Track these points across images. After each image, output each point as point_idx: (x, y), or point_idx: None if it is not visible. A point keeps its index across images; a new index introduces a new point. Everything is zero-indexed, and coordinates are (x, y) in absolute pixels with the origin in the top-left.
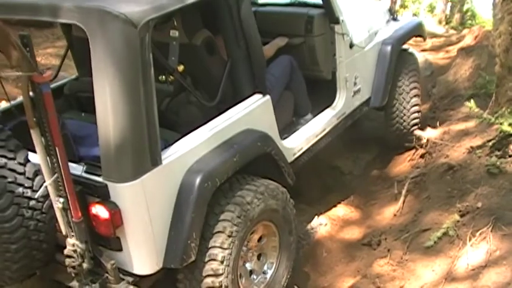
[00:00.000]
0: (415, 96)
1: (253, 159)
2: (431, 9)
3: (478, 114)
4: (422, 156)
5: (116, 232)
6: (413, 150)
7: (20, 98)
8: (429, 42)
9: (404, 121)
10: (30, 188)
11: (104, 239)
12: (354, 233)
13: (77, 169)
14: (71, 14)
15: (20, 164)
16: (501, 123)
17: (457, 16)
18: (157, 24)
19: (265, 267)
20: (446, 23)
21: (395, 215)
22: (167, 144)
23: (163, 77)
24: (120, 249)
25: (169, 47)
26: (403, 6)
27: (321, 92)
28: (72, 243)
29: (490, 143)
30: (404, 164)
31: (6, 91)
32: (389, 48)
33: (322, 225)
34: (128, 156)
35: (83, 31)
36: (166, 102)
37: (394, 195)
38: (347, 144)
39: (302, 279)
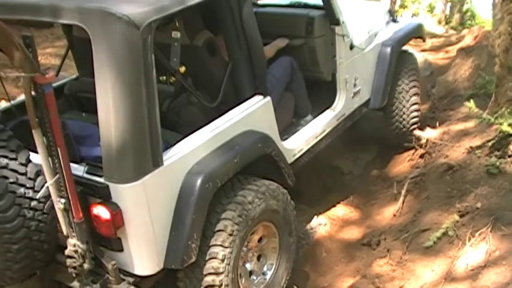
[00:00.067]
0: (414, 95)
1: (254, 160)
2: (431, 9)
3: (478, 115)
4: (421, 156)
5: (117, 233)
6: (413, 150)
7: (20, 98)
8: (429, 43)
9: (403, 121)
10: (32, 188)
11: (105, 240)
12: (353, 233)
13: (78, 170)
14: (73, 15)
15: (22, 164)
16: (501, 124)
17: (456, 16)
18: (159, 26)
19: (264, 268)
20: (446, 23)
21: (394, 215)
22: (168, 145)
23: (165, 77)
24: (121, 250)
25: (171, 48)
26: (402, 6)
27: (321, 93)
28: (73, 244)
29: (490, 143)
30: (403, 164)
31: (6, 91)
32: (389, 49)
33: (321, 225)
34: (130, 158)
35: (84, 31)
36: (167, 103)
37: (394, 195)
38: (347, 144)
39: (301, 279)
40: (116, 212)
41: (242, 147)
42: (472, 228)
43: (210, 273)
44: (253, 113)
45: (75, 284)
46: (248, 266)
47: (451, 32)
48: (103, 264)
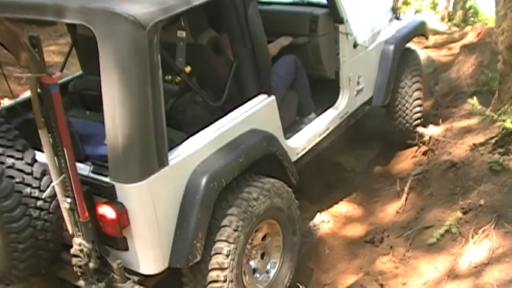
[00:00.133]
0: (417, 92)
1: (259, 159)
2: (434, 6)
3: (481, 112)
4: (424, 153)
5: (122, 232)
6: (416, 148)
7: (23, 95)
8: (432, 39)
9: (406, 118)
10: (38, 188)
11: (111, 239)
12: (356, 230)
13: (84, 169)
14: (78, 15)
15: (28, 164)
16: (504, 121)
17: (459, 13)
18: (165, 25)
19: (268, 267)
20: (449, 20)
21: (397, 212)
22: (173, 144)
23: (170, 77)
24: (127, 249)
25: (177, 48)
26: (405, 3)
27: (324, 91)
28: (79, 243)
29: (493, 140)
30: (406, 161)
31: (11, 89)
32: (392, 48)
33: (324, 222)
34: (135, 158)
35: (89, 29)
36: (172, 101)
37: (397, 192)
38: (349, 141)
39: (305, 276)
40: (122, 211)
41: (247, 146)
42: (475, 225)
43: (215, 269)
44: (258, 112)
45: (81, 282)
46: (252, 263)
47: (454, 29)
48: (108, 263)
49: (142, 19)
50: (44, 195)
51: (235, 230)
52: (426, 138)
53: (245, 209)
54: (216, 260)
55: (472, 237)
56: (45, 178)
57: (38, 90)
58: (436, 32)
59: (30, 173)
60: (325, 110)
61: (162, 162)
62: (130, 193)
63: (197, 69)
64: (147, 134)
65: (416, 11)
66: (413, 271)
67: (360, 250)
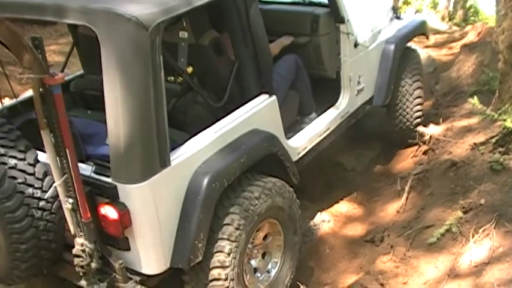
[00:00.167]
0: (418, 92)
1: (260, 159)
2: (434, 5)
3: (481, 111)
4: (425, 152)
5: (124, 232)
6: (416, 147)
7: (24, 95)
8: (432, 39)
9: (407, 117)
10: (40, 188)
11: (113, 239)
12: (357, 230)
13: (86, 169)
14: (80, 15)
15: (30, 164)
16: (504, 120)
17: (460, 12)
18: (167, 26)
19: (269, 266)
20: (449, 20)
21: (398, 212)
22: (175, 145)
23: (173, 78)
24: (128, 249)
25: (178, 48)
26: (406, 2)
27: (325, 91)
28: (81, 243)
29: (493, 140)
30: (407, 160)
31: (12, 88)
32: (392, 47)
33: (325, 221)
34: (138, 158)
35: (90, 29)
36: (173, 102)
37: (397, 191)
38: (350, 140)
39: (305, 275)
40: (124, 212)
41: (248, 146)
42: (476, 224)
43: (216, 267)
44: (259, 112)
45: (83, 282)
46: (253, 262)
47: (455, 28)
48: (110, 263)
49: (145, 20)
50: (46, 195)
51: (237, 229)
52: (427, 137)
53: (247, 207)
54: (217, 258)
55: (473, 236)
56: (47, 178)
57: (41, 90)
58: (437, 32)
59: (33, 174)
60: (326, 110)
61: (164, 163)
62: (133, 193)
63: (199, 69)
64: (149, 134)
65: (417, 11)
66: (413, 270)
67: (360, 249)
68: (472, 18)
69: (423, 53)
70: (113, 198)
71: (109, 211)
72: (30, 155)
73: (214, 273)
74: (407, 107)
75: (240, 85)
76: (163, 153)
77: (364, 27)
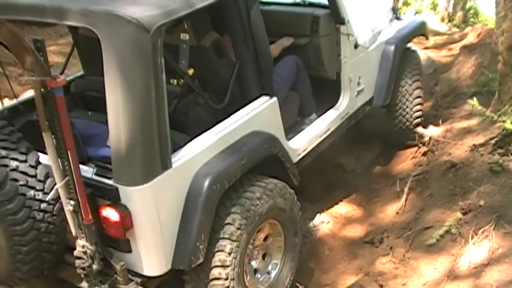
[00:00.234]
0: (417, 93)
1: (261, 161)
2: (434, 6)
3: (481, 112)
4: (424, 154)
5: (125, 234)
6: (416, 148)
7: (24, 96)
8: (432, 40)
9: (407, 117)
10: (42, 190)
11: (114, 241)
12: (356, 231)
13: (87, 172)
14: (81, 17)
15: (31, 166)
16: (504, 121)
17: (459, 14)
18: (168, 28)
19: (269, 268)
20: (449, 21)
21: (397, 213)
22: (177, 147)
23: (175, 81)
24: (130, 251)
25: (180, 50)
26: (405, 3)
27: (325, 92)
28: (82, 245)
29: (493, 141)
30: (406, 161)
31: (12, 88)
32: (392, 48)
33: (324, 223)
34: (139, 160)
35: (91, 31)
36: (174, 103)
37: (397, 193)
38: (350, 142)
39: (304, 276)
40: (125, 214)
41: (249, 148)
42: (475, 226)
43: (217, 266)
44: (260, 114)
45: (84, 284)
46: (254, 263)
47: (454, 29)
48: (111, 265)
49: (146, 22)
50: (48, 197)
51: (238, 228)
52: (426, 138)
53: (248, 207)
54: (218, 258)
55: (472, 237)
56: (48, 180)
57: (42, 90)
58: (436, 33)
59: (34, 176)
60: (326, 111)
61: (166, 165)
62: (134, 195)
63: (200, 71)
64: (150, 136)
65: (417, 12)
66: (413, 272)
67: (359, 251)
68: (472, 19)
69: (423, 54)
70: (114, 200)
71: (110, 213)
72: (32, 157)
73: (215, 272)
74: (407, 107)
75: (240, 87)
76: (164, 155)
77: (364, 28)
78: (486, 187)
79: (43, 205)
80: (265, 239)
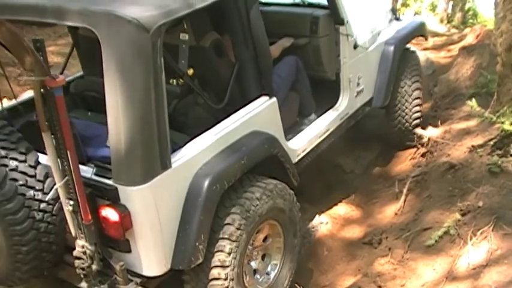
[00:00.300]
0: (417, 92)
1: (260, 161)
2: (433, 8)
3: (480, 113)
4: (423, 155)
5: (125, 234)
6: (415, 149)
7: (23, 96)
8: (431, 41)
9: (406, 119)
10: (41, 190)
11: (113, 241)
12: (355, 232)
13: (87, 172)
14: (81, 17)
15: (31, 166)
16: (503, 122)
17: (458, 15)
18: (168, 28)
19: (268, 268)
20: (448, 22)
21: (396, 214)
22: (176, 147)
23: (174, 81)
24: (129, 251)
25: (179, 50)
26: (405, 4)
27: (324, 92)
28: (82, 245)
29: (492, 142)
30: (405, 162)
31: (12, 89)
32: (392, 48)
33: (323, 223)
34: (139, 160)
35: (90, 31)
36: (174, 103)
37: (395, 194)
38: (349, 142)
39: (303, 277)
40: (125, 214)
41: (249, 148)
42: (474, 227)
43: (217, 266)
44: (260, 114)
45: (83, 284)
46: (253, 264)
47: (453, 30)
48: (111, 265)
49: (146, 22)
50: (47, 197)
51: (238, 229)
52: (425, 140)
53: (248, 208)
54: (218, 258)
55: (471, 239)
56: (48, 180)
57: (42, 91)
58: (435, 34)
59: (34, 176)
60: (326, 111)
61: (165, 165)
62: (133, 196)
63: (199, 71)
64: (150, 136)
65: (416, 13)
66: (411, 273)
67: (358, 252)
68: (471, 20)
69: (422, 56)
70: (113, 200)
71: (110, 213)
72: (31, 157)
73: (214, 272)
74: (406, 107)
75: (240, 87)
76: (164, 155)
77: (363, 28)
78: (485, 188)
79: (42, 205)
80: (265, 239)
